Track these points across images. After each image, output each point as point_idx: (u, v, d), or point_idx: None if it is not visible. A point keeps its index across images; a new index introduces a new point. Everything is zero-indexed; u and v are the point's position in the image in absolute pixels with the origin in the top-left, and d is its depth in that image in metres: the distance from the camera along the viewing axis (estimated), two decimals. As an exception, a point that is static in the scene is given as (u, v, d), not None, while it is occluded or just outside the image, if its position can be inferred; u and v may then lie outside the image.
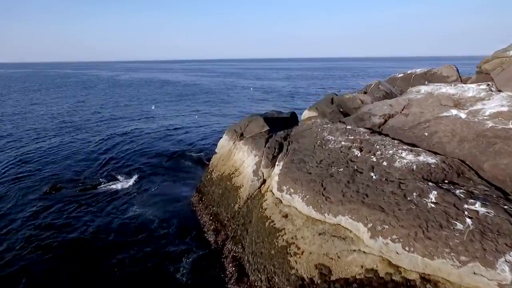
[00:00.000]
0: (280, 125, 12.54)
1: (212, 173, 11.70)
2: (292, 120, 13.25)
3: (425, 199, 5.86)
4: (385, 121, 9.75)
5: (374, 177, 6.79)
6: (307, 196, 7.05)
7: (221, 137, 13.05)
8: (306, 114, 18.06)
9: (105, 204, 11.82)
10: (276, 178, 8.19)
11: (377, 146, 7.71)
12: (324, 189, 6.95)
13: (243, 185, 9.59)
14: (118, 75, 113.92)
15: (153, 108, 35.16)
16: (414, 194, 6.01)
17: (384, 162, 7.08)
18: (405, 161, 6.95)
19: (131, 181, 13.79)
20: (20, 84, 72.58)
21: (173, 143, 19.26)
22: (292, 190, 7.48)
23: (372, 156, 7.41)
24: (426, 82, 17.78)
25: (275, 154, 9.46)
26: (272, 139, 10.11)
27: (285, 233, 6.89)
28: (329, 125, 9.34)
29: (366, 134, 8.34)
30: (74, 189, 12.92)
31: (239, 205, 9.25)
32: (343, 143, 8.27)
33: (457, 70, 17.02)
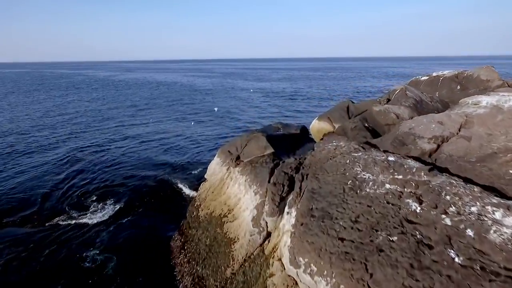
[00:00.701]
0: (287, 144, 9.79)
1: (199, 209, 8.92)
2: (302, 137, 10.48)
3: None
4: (438, 146, 6.97)
5: (456, 259, 4.03)
6: (342, 286, 4.30)
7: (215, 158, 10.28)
8: (316, 125, 15.32)
9: (59, 247, 9.10)
10: (288, 240, 5.44)
11: (447, 197, 4.93)
12: (371, 276, 4.20)
13: (238, 239, 6.82)
14: (115, 75, 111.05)
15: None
16: (551, 311, 3.24)
17: (469, 230, 4.30)
18: (507, 231, 4.17)
19: (100, 212, 11.03)
20: (11, 84, 69.73)
21: (161, 159, 16.44)
22: (314, 268, 4.73)
23: (443, 216, 4.64)
24: (458, 87, 15.03)
25: (283, 195, 6.70)
26: (278, 170, 7.35)
27: None
28: (360, 154, 6.56)
29: (422, 173, 5.56)
30: (23, 226, 10.14)
31: (232, 270, 6.47)
32: (388, 186, 5.50)
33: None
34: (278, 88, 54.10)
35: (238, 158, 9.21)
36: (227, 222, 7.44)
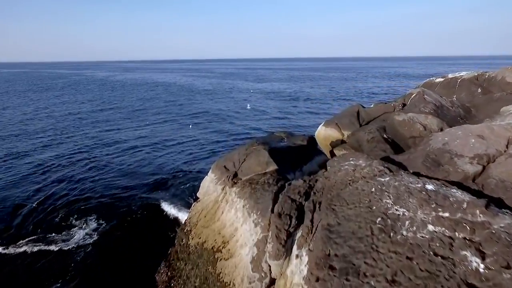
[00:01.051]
0: (293, 158, 8.44)
1: (189, 236, 7.57)
2: (310, 149, 9.11)
3: None
4: (483, 168, 5.62)
5: None
6: None
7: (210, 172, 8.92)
8: (322, 132, 13.94)
9: (23, 277, 7.81)
10: (299, 301, 4.09)
11: (522, 250, 3.57)
12: None
13: (234, 285, 5.46)
14: (113, 75, 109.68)
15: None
16: None
17: None
18: None
19: (76, 234, 9.67)
20: (5, 85, 68.35)
21: (152, 169, 14.95)
22: None
23: (523, 282, 3.28)
24: (479, 90, 13.68)
25: (291, 230, 5.36)
26: (284, 196, 5.99)
27: None
28: (388, 179, 5.21)
29: (477, 210, 4.20)
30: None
31: (227, 327, 5.12)
32: (431, 227, 4.15)
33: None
34: (278, 89, 52.78)
35: (235, 175, 7.87)
36: (220, 259, 6.08)
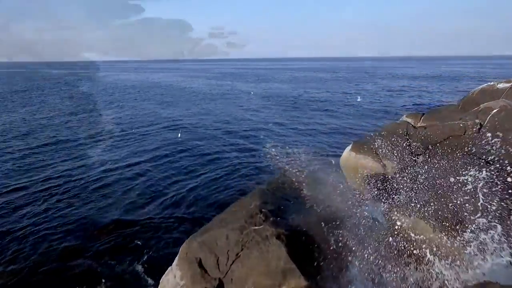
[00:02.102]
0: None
1: None
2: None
3: None
4: None
5: None
6: None
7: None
8: (350, 158, 9.95)
9: None
10: None
11: None
12: None
13: None
14: (109, 75, 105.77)
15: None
16: None
17: None
18: None
19: None
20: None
21: (111, 213, 10.39)
22: None
23: None
24: None
25: None
26: None
27: None
28: None
29: None
30: None
31: None
32: None
33: None
34: (282, 92, 48.71)
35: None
36: None
